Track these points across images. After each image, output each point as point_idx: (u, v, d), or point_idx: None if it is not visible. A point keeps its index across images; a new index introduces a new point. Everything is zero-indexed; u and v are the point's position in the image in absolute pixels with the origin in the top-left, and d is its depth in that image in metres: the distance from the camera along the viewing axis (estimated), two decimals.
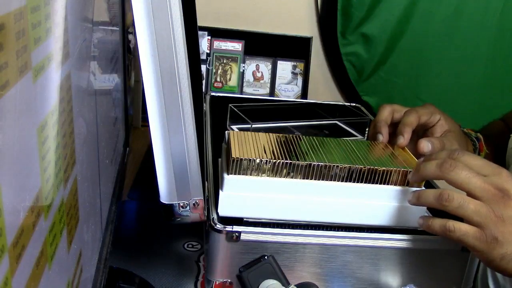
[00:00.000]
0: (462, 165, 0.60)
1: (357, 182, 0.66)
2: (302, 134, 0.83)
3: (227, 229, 0.64)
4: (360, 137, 0.96)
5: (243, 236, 0.64)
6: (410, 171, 0.66)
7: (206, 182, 0.69)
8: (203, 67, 1.46)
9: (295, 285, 0.63)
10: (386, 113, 0.81)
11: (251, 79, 1.49)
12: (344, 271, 0.67)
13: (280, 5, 1.50)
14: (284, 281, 0.62)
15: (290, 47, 1.49)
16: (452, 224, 0.59)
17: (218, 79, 1.48)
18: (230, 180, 0.64)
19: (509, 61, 1.50)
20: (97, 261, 0.61)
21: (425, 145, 0.77)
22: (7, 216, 0.28)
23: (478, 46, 1.48)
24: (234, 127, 0.94)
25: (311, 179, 0.65)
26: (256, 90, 1.50)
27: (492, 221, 0.57)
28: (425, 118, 0.81)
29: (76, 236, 0.47)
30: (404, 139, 0.76)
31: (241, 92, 1.49)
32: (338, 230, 0.67)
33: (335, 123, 1.01)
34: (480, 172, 0.60)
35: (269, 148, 0.68)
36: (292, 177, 0.65)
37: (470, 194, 0.59)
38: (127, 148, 0.95)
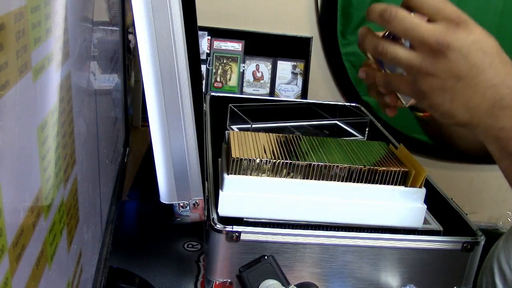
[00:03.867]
0: (405, 15, 0.56)
1: (357, 182, 0.66)
2: (302, 134, 0.83)
3: (227, 229, 0.64)
4: (360, 137, 0.96)
5: (243, 236, 0.64)
6: (408, 171, 0.66)
7: (206, 182, 0.69)
8: (203, 67, 1.46)
9: (295, 285, 0.63)
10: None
11: (251, 79, 1.49)
12: (344, 271, 0.67)
13: (280, 5, 1.50)
14: (284, 281, 0.62)
15: (290, 47, 1.49)
16: (391, 78, 0.60)
17: (218, 79, 1.48)
18: (230, 180, 0.64)
19: None
20: (97, 261, 0.60)
21: None
22: (7, 216, 0.28)
23: None
24: (234, 127, 0.94)
25: (311, 179, 0.65)
26: (256, 90, 1.50)
27: (420, 76, 0.57)
28: None
29: (76, 236, 0.47)
30: None
31: (241, 92, 1.49)
32: (338, 230, 0.67)
33: (335, 123, 1.01)
34: (435, 15, 0.56)
35: (269, 148, 0.68)
36: (292, 177, 0.65)
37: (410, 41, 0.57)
38: (127, 148, 0.95)
